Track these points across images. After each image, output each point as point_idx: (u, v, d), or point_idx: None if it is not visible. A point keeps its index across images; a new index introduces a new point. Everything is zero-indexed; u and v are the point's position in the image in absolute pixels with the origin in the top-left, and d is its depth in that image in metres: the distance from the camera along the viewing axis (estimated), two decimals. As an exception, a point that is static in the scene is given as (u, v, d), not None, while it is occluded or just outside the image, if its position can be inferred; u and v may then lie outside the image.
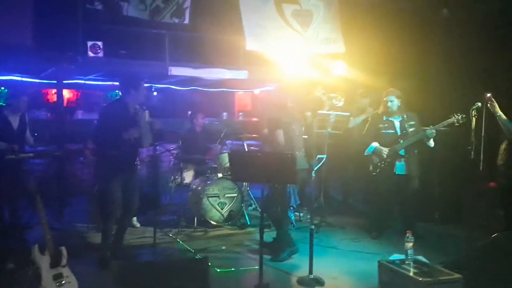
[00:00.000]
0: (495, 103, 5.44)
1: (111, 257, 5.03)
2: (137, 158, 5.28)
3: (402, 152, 6.11)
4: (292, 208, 5.92)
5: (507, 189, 5.77)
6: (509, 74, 6.71)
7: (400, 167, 6.12)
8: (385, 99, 6.19)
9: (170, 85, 10.30)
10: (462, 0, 7.14)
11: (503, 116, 5.51)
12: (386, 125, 6.19)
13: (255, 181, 5.69)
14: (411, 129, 6.13)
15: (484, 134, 5.31)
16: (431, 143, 6.03)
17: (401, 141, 6.09)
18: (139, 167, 6.48)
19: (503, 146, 5.86)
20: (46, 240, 4.02)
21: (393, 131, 6.15)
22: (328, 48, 8.30)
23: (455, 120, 5.76)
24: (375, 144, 6.17)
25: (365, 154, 6.27)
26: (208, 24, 8.28)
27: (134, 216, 6.72)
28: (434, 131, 5.91)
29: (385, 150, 6.10)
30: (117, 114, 4.98)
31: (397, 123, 6.18)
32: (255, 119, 11.99)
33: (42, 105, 10.11)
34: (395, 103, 6.13)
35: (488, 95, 5.42)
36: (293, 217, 6.03)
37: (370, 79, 7.75)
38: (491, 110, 5.45)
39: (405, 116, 6.19)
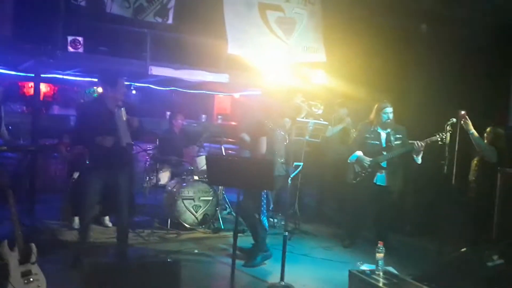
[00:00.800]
0: (469, 120, 5.58)
1: (83, 257, 4.96)
2: (125, 157, 5.14)
3: (384, 164, 6.16)
4: (265, 212, 5.91)
5: (477, 203, 5.90)
6: (484, 92, 6.88)
7: (380, 178, 6.18)
8: (380, 109, 6.18)
9: (150, 84, 10.23)
10: (441, 16, 7.28)
11: (476, 134, 5.68)
12: (372, 135, 6.23)
13: (231, 186, 5.67)
14: (396, 142, 6.17)
15: (457, 149, 5.43)
16: (418, 159, 6.00)
17: (384, 153, 6.14)
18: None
19: (474, 162, 6.01)
20: (16, 236, 3.94)
21: (378, 142, 6.19)
22: (310, 56, 8.35)
23: (439, 139, 5.75)
24: (358, 153, 6.22)
25: (348, 161, 6.32)
26: (191, 26, 8.24)
27: (106, 215, 6.66)
28: (422, 144, 5.87)
29: (367, 160, 6.15)
30: (95, 112, 4.93)
31: (383, 135, 6.21)
32: (234, 123, 12.00)
33: (18, 98, 9.93)
34: (391, 115, 6.16)
35: (462, 112, 5.55)
36: (266, 221, 6.02)
37: (350, 89, 7.83)
38: (465, 127, 5.58)
39: (393, 129, 6.21)
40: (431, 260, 5.28)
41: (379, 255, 4.36)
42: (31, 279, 3.89)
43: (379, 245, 4.40)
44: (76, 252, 5.03)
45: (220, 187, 7.15)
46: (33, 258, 3.98)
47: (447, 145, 5.52)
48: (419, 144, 5.90)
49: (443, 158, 5.49)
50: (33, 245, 4.02)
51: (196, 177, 6.95)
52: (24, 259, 3.92)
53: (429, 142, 5.87)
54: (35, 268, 3.97)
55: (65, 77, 9.09)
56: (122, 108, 4.94)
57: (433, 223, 6.88)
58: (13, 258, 3.87)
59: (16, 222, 3.98)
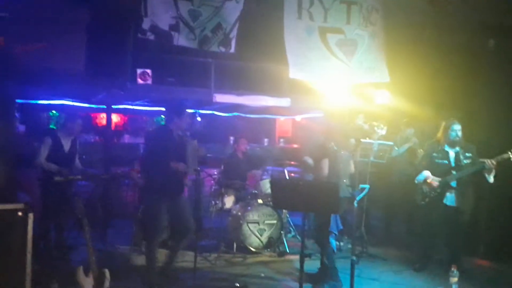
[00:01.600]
0: None
1: (156, 281, 5.10)
2: (184, 181, 5.35)
3: (453, 183, 5.95)
4: (334, 235, 5.84)
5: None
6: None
7: (450, 198, 5.97)
8: (448, 126, 6.02)
9: (214, 111, 10.47)
10: (509, 30, 7.02)
11: None
12: (440, 155, 6.05)
13: (296, 209, 5.66)
14: (466, 161, 5.95)
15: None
16: (490, 178, 5.76)
17: (454, 172, 5.94)
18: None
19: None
20: (90, 262, 4.12)
21: (446, 162, 6.00)
22: (372, 76, 8.26)
23: (511, 156, 5.53)
24: (426, 173, 6.04)
25: (416, 181, 6.15)
26: (253, 53, 8.40)
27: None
28: (493, 162, 5.65)
29: (436, 180, 5.97)
30: (163, 139, 5.12)
31: (451, 154, 6.02)
32: (296, 146, 12.00)
33: (90, 129, 10.44)
34: (459, 133, 5.99)
35: None
36: (335, 244, 5.93)
37: (415, 109, 7.67)
38: None
39: (462, 147, 6.03)
40: (509, 284, 4.99)
41: (453, 279, 4.21)
42: (106, 303, 4.05)
43: (452, 268, 4.24)
44: (151, 277, 5.15)
45: (284, 210, 7.15)
46: (107, 283, 4.14)
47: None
48: (490, 162, 5.65)
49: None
50: (106, 271, 4.18)
51: (260, 201, 6.99)
52: (98, 285, 4.08)
53: (500, 160, 5.62)
54: (109, 293, 4.13)
55: (134, 107, 9.49)
56: (195, 140, 5.15)
57: (510, 245, 6.55)
58: (88, 283, 4.05)
59: (90, 249, 4.17)
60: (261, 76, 8.34)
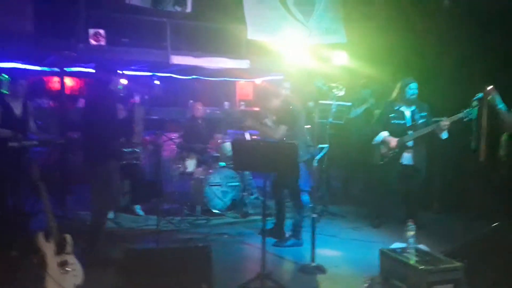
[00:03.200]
0: (497, 95, 5.39)
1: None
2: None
3: (410, 143, 6.09)
4: (306, 192, 5.91)
5: (509, 179, 5.80)
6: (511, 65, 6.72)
7: (407, 157, 6.11)
8: (405, 85, 6.07)
9: (172, 73, 10.28)
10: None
11: (504, 109, 5.50)
12: (396, 114, 6.14)
13: (257, 170, 5.72)
14: (421, 120, 6.07)
15: (485, 124, 5.33)
16: (444, 134, 5.90)
17: (410, 132, 6.07)
18: (139, 154, 6.54)
19: (504, 137, 5.87)
20: (51, 227, 4.04)
21: (403, 121, 6.10)
22: (330, 38, 8.28)
23: (466, 115, 5.60)
24: (384, 134, 6.15)
25: (373, 142, 6.26)
26: (210, 13, 8.25)
27: (137, 204, 6.79)
28: (448, 123, 5.78)
29: (393, 141, 6.09)
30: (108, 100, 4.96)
31: (407, 113, 6.12)
32: (256, 109, 11.98)
33: (44, 93, 10.08)
34: (416, 90, 6.06)
35: (489, 88, 5.39)
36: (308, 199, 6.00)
37: (372, 69, 7.75)
38: (492, 102, 5.42)
39: (417, 106, 6.13)
40: (462, 236, 5.22)
41: (410, 233, 4.33)
42: (68, 269, 3.99)
43: (409, 223, 4.37)
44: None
45: (246, 172, 7.19)
46: (69, 248, 4.07)
47: (474, 120, 5.41)
48: (444, 123, 5.79)
49: (471, 134, 5.39)
50: (68, 236, 4.11)
51: (222, 164, 7.00)
52: (60, 250, 4.01)
53: (455, 119, 5.76)
54: (71, 258, 4.06)
55: (88, 70, 9.20)
56: (142, 107, 5.00)
57: (462, 200, 6.82)
58: (49, 249, 3.97)
59: (49, 214, 4.08)
60: (219, 37, 8.23)
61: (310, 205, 5.48)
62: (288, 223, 5.89)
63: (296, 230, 5.63)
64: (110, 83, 4.98)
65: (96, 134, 4.80)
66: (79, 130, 5.24)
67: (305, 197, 5.64)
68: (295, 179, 5.47)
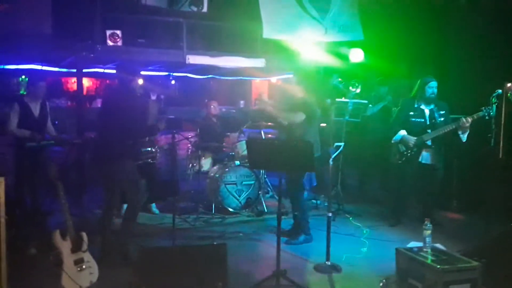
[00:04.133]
0: None
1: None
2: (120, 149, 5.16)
3: (429, 142, 6.02)
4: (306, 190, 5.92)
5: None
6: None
7: (426, 156, 6.05)
8: (425, 83, 6.00)
9: (188, 73, 10.34)
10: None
11: None
12: (416, 113, 6.06)
13: (272, 169, 5.71)
14: (440, 119, 5.99)
15: (504, 122, 5.24)
16: (465, 136, 5.80)
17: (429, 131, 5.99)
18: (156, 154, 6.57)
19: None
20: (67, 226, 4.09)
21: (422, 120, 6.03)
22: (346, 35, 8.22)
23: (486, 113, 5.53)
24: (403, 133, 6.07)
25: (392, 141, 6.19)
26: (225, 13, 8.27)
27: (153, 203, 6.84)
28: (468, 121, 5.66)
29: (412, 140, 6.02)
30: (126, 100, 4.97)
31: (427, 112, 6.04)
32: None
33: (61, 94, 10.22)
34: (435, 89, 5.98)
35: (508, 85, 5.29)
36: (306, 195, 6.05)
37: (389, 66, 7.69)
38: (511, 99, 5.34)
39: (436, 105, 6.05)
40: (480, 235, 5.15)
41: (427, 232, 4.29)
42: (84, 267, 4.05)
43: (426, 222, 4.33)
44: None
45: (261, 171, 7.19)
46: (85, 246, 4.13)
47: (493, 118, 5.33)
48: (466, 119, 5.70)
49: (490, 132, 5.30)
50: (84, 234, 4.16)
51: (237, 162, 7.01)
52: (76, 248, 4.07)
53: (475, 117, 5.66)
54: (87, 256, 4.13)
55: (106, 70, 9.30)
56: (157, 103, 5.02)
57: (481, 199, 6.72)
58: (65, 247, 4.03)
59: (66, 212, 4.13)
60: (235, 36, 8.25)
61: (325, 204, 5.48)
62: (290, 221, 5.91)
63: (304, 225, 5.64)
64: (131, 83, 5.00)
65: (117, 134, 4.79)
66: (96, 130, 5.22)
67: (305, 194, 5.67)
68: (302, 176, 5.50)
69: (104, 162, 4.85)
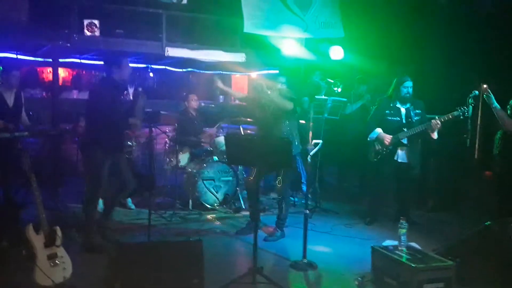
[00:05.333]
0: (491, 94, 5.39)
1: (101, 240, 5.03)
2: (126, 139, 5.20)
3: (404, 140, 6.06)
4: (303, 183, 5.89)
5: (502, 177, 5.80)
6: (507, 63, 6.71)
7: (401, 155, 6.08)
8: (400, 83, 6.02)
9: (167, 66, 10.23)
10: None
11: (498, 107, 5.49)
12: (392, 111, 6.09)
13: (250, 165, 5.68)
14: (416, 118, 6.04)
15: (480, 122, 5.31)
16: (435, 135, 5.85)
17: (405, 130, 6.04)
18: (133, 148, 6.49)
19: (498, 135, 5.87)
20: (41, 219, 4.00)
21: (398, 119, 6.05)
22: (327, 32, 8.23)
23: (460, 113, 5.59)
24: (378, 130, 6.09)
25: (368, 139, 6.22)
26: (206, 5, 8.20)
27: (129, 197, 6.74)
28: (439, 122, 5.73)
29: (388, 138, 6.06)
30: (107, 91, 4.92)
31: (403, 110, 6.07)
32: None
33: (37, 84, 10.01)
34: (411, 90, 6.01)
35: (485, 86, 5.36)
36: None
37: (368, 65, 7.72)
38: (487, 101, 5.41)
39: (412, 103, 6.08)
40: (455, 234, 5.23)
41: (402, 231, 4.33)
42: (57, 262, 3.97)
43: (401, 220, 4.37)
44: (92, 237, 5.04)
45: (239, 167, 7.16)
46: (58, 241, 4.04)
47: (469, 118, 5.39)
48: (436, 122, 5.75)
49: (465, 132, 5.37)
50: (58, 228, 4.07)
51: (215, 158, 6.96)
52: (49, 242, 3.98)
53: (450, 117, 5.73)
54: (61, 251, 4.04)
55: (82, 61, 9.14)
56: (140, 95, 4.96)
57: (456, 198, 6.83)
58: (38, 241, 3.94)
59: (40, 206, 4.04)
60: (215, 29, 8.18)
61: (303, 201, 5.48)
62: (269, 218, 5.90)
63: (281, 223, 5.66)
64: (115, 74, 4.98)
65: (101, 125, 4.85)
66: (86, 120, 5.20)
67: (303, 188, 5.68)
68: (286, 173, 5.50)
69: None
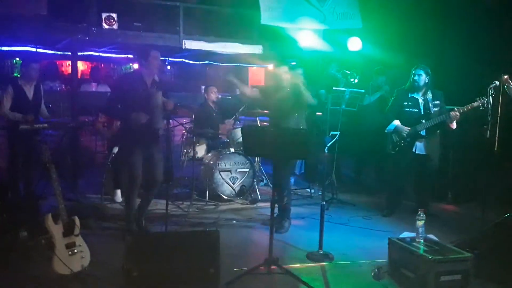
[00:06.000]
0: None
1: (137, 229, 5.11)
2: (159, 128, 5.23)
3: (423, 132, 6.00)
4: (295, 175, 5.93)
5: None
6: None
7: (420, 147, 6.02)
8: (412, 74, 6.00)
9: (184, 59, 10.26)
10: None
11: None
12: (410, 102, 6.03)
13: (267, 156, 5.69)
14: (435, 109, 5.96)
15: (500, 113, 5.21)
16: (454, 125, 5.80)
17: (423, 121, 5.97)
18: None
19: (519, 126, 5.76)
20: (59, 209, 4.06)
21: (416, 110, 5.99)
22: (345, 23, 8.16)
23: (480, 104, 5.51)
24: (396, 123, 6.05)
25: (386, 131, 6.17)
26: (223, -3, 8.20)
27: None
28: (458, 114, 5.68)
29: (406, 130, 5.99)
30: (131, 86, 4.95)
31: (421, 101, 6.00)
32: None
33: (56, 77, 10.14)
34: (422, 78, 5.93)
35: (505, 76, 5.26)
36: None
37: (387, 56, 7.64)
38: (508, 92, 5.31)
39: (430, 94, 6.02)
40: (474, 227, 5.16)
41: (420, 222, 4.29)
42: (75, 251, 4.02)
43: (419, 212, 4.33)
44: (131, 225, 5.12)
45: (256, 159, 7.16)
46: (77, 230, 4.09)
47: (490, 109, 5.30)
48: (455, 113, 5.69)
49: (486, 123, 5.28)
50: (76, 218, 4.13)
51: (232, 149, 6.98)
52: (68, 232, 4.04)
53: (470, 108, 5.65)
54: (79, 240, 4.09)
55: (101, 54, 9.22)
56: (160, 91, 4.98)
57: (476, 190, 6.73)
58: (57, 230, 3.99)
59: (59, 196, 4.09)
60: (232, 22, 8.18)
61: (319, 192, 5.46)
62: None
63: (289, 211, 5.66)
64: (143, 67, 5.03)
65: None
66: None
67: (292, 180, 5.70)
68: (293, 163, 5.51)
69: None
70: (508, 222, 4.43)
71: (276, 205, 5.84)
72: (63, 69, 10.56)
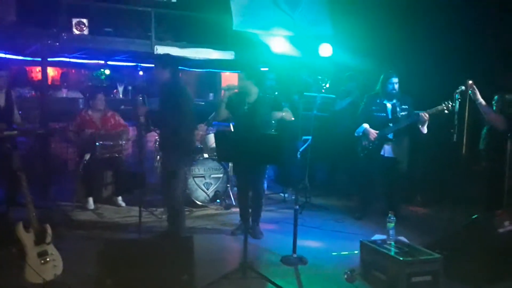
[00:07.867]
0: (476, 90, 5.45)
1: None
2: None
3: (390, 135, 6.13)
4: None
5: (489, 171, 5.88)
6: (492, 59, 6.78)
7: (388, 150, 6.16)
8: (386, 79, 6.11)
9: (156, 64, 10.19)
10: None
11: (483, 103, 5.56)
12: (378, 107, 6.16)
13: (240, 162, 5.70)
14: (402, 113, 6.10)
15: (467, 118, 5.37)
16: (425, 129, 5.91)
17: (391, 125, 6.10)
18: (123, 146, 6.49)
19: (484, 130, 5.96)
20: (30, 218, 4.00)
21: (384, 114, 6.13)
22: (316, 29, 8.27)
23: (445, 108, 5.69)
24: (365, 126, 6.18)
25: (355, 134, 6.29)
26: (195, 3, 8.20)
27: (119, 195, 6.75)
28: (427, 115, 5.83)
29: (373, 133, 6.12)
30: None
31: (389, 106, 6.14)
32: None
33: (26, 83, 9.97)
34: (396, 86, 6.09)
35: (470, 82, 5.42)
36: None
37: (358, 61, 7.76)
38: (472, 97, 5.47)
39: (399, 99, 6.14)
40: (443, 228, 5.29)
41: (390, 224, 4.39)
42: (48, 259, 3.97)
43: (390, 214, 4.42)
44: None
45: (230, 164, 7.18)
46: (49, 238, 4.05)
47: (456, 113, 5.45)
48: (424, 114, 5.83)
49: (453, 127, 5.42)
50: (48, 226, 4.08)
51: (206, 155, 6.98)
52: (39, 240, 3.98)
53: (435, 111, 5.81)
54: (51, 249, 4.04)
55: (71, 60, 9.11)
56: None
57: (444, 193, 6.89)
58: (28, 239, 3.94)
59: (29, 204, 4.04)
60: (205, 27, 8.18)
61: (293, 197, 5.50)
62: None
63: (259, 216, 5.66)
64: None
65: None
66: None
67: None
68: (264, 168, 5.54)
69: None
70: (475, 223, 4.55)
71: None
72: (33, 74, 10.38)
